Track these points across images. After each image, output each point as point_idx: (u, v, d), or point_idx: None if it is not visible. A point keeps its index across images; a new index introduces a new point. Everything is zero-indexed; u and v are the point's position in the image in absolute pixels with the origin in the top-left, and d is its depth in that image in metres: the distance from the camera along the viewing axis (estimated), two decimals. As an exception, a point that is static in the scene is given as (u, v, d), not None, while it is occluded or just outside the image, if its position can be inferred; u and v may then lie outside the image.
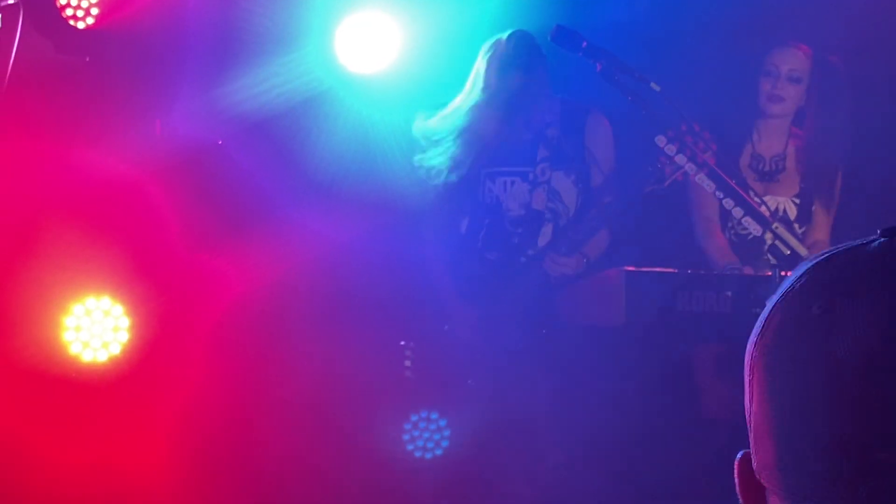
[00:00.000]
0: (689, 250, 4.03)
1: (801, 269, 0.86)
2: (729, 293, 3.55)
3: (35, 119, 3.79)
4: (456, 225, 4.07)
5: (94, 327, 3.71)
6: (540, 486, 3.79)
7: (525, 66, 3.86)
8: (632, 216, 3.96)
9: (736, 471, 0.87)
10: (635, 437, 3.68)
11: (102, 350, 3.72)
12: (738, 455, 0.87)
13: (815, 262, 0.85)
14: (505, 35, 3.89)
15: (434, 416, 4.01)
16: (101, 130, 3.84)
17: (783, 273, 3.26)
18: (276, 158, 4.03)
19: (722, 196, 3.45)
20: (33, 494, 3.57)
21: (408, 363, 4.20)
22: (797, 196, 4.03)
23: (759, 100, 3.99)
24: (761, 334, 0.84)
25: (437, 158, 3.93)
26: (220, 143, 4.06)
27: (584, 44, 3.45)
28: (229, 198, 3.96)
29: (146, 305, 3.76)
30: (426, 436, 4.03)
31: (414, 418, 4.01)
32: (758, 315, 0.90)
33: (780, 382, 0.82)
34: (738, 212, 3.40)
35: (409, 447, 4.02)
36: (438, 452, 4.02)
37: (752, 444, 0.85)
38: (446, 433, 4.02)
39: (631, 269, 3.70)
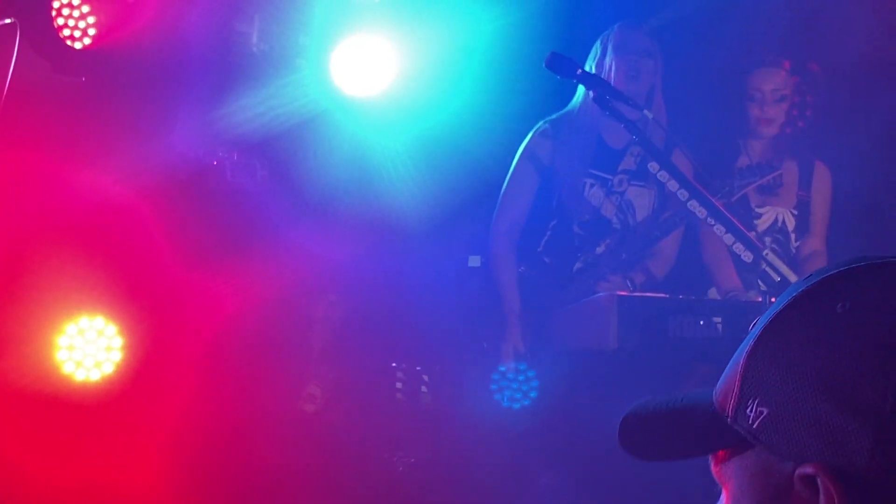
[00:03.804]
0: (681, 275, 4.06)
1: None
2: (719, 319, 3.58)
3: (31, 138, 3.80)
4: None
5: (88, 347, 3.71)
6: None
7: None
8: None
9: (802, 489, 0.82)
10: (626, 462, 3.69)
11: (95, 369, 3.72)
12: (806, 470, 0.82)
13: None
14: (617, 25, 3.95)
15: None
16: (96, 150, 3.86)
17: (773, 300, 3.28)
18: (274, 179, 4.05)
19: (713, 223, 3.48)
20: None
21: (399, 385, 4.21)
22: (795, 208, 4.10)
23: (749, 123, 4.07)
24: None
25: None
26: (215, 163, 4.08)
27: (579, 71, 3.48)
28: (224, 218, 3.98)
29: (140, 325, 3.76)
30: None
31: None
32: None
33: None
34: (729, 238, 3.43)
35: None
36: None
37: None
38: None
39: (623, 293, 3.73)
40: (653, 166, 3.52)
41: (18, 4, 3.63)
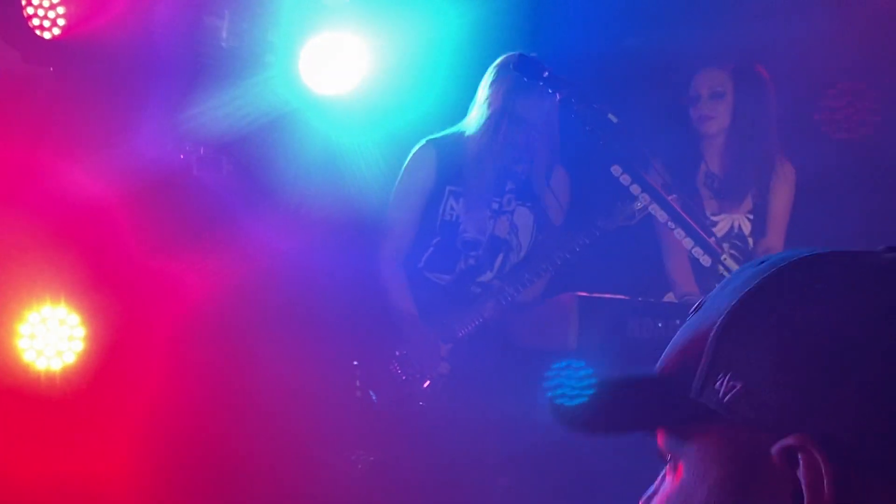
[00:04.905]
0: (641, 277, 4.11)
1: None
2: (678, 321, 3.63)
3: (-2, 127, 3.79)
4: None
5: (49, 336, 3.70)
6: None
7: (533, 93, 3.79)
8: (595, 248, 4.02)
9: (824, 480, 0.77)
10: (585, 460, 3.73)
11: (57, 359, 3.71)
12: (788, 441, 0.78)
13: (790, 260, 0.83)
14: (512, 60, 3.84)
15: None
16: (62, 141, 3.85)
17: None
18: (240, 175, 4.06)
19: (673, 227, 3.53)
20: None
21: (358, 383, 4.22)
22: (751, 212, 4.15)
23: (693, 125, 4.13)
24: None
25: None
26: (181, 157, 4.08)
27: (546, 73, 3.52)
28: (189, 211, 3.98)
29: (103, 315, 3.76)
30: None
31: None
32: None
33: None
34: (688, 242, 3.48)
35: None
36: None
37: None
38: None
39: (584, 294, 3.77)
40: (615, 169, 3.57)
41: (-12, -7, 3.63)
